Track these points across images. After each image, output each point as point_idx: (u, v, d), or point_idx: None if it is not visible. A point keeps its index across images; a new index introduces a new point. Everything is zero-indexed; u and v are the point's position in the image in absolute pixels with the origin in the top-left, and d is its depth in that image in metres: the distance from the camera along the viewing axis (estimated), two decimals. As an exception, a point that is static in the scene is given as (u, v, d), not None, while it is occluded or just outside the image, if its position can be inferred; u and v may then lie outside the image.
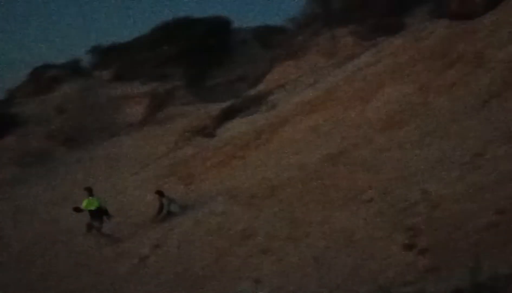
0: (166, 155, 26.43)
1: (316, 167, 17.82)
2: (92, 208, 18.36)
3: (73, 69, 45.44)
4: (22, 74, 48.10)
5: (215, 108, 30.39)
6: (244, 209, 17.13)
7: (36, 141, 34.33)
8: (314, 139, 20.31)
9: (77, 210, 18.55)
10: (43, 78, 44.35)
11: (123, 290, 14.72)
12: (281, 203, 16.47)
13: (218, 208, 18.03)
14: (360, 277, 10.86)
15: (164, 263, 15.82)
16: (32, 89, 43.45)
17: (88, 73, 45.08)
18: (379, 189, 14.48)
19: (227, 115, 28.32)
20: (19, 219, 23.07)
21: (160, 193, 19.63)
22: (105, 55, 47.23)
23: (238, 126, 25.61)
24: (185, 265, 15.08)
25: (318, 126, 21.10)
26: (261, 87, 31.71)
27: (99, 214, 18.46)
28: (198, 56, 40.13)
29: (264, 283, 12.35)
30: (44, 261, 18.27)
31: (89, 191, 18.79)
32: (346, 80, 23.94)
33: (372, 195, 14.33)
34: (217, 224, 16.87)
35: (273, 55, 37.35)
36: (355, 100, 21.39)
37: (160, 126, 32.80)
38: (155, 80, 40.25)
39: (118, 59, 44.95)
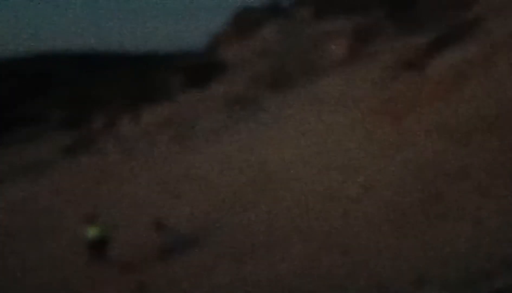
0: (373, 93, 26.34)
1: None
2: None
3: (273, 10, 46.50)
4: (224, 20, 50.05)
5: (423, 39, 29.54)
6: (460, 146, 16.74)
7: (241, 87, 35.84)
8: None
9: None
10: (244, 22, 45.95)
11: (337, 231, 15.16)
12: (500, 138, 15.85)
13: (431, 145, 17.78)
14: None
15: (375, 205, 15.99)
16: (234, 34, 45.25)
17: (288, 13, 45.86)
18: None
19: (436, 46, 27.43)
20: (230, 165, 24.35)
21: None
22: (304, -8, 47.62)
23: (448, 57, 24.76)
24: (398, 207, 15.15)
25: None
26: (472, 13, 30.22)
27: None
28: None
29: (484, 225, 12.11)
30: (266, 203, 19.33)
31: None
32: None
33: None
34: (431, 162, 16.68)
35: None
36: None
37: (365, 62, 32.62)
38: (357, 14, 39.88)
39: (317, -5, 45.12)
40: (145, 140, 32.45)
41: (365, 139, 21.21)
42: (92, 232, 18.68)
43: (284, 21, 43.60)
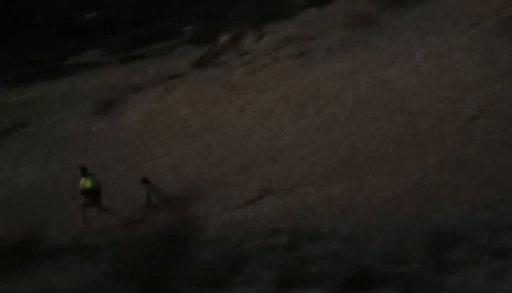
0: (498, 11, 24.67)
1: None
2: (87, 187, 18.14)
3: None
4: None
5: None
6: None
7: (361, 5, 34.67)
8: None
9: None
10: None
11: (454, 148, 14.81)
12: None
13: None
14: None
15: (493, 124, 15.44)
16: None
17: None
18: None
19: None
20: (351, 82, 23.91)
21: (143, 181, 18.12)
22: None
23: None
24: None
25: None
26: None
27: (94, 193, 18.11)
28: None
29: None
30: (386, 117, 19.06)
31: (83, 170, 18.57)
32: None
33: None
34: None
35: None
36: None
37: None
38: None
39: None
40: (268, 56, 32.29)
41: (484, 59, 20.26)
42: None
43: None
